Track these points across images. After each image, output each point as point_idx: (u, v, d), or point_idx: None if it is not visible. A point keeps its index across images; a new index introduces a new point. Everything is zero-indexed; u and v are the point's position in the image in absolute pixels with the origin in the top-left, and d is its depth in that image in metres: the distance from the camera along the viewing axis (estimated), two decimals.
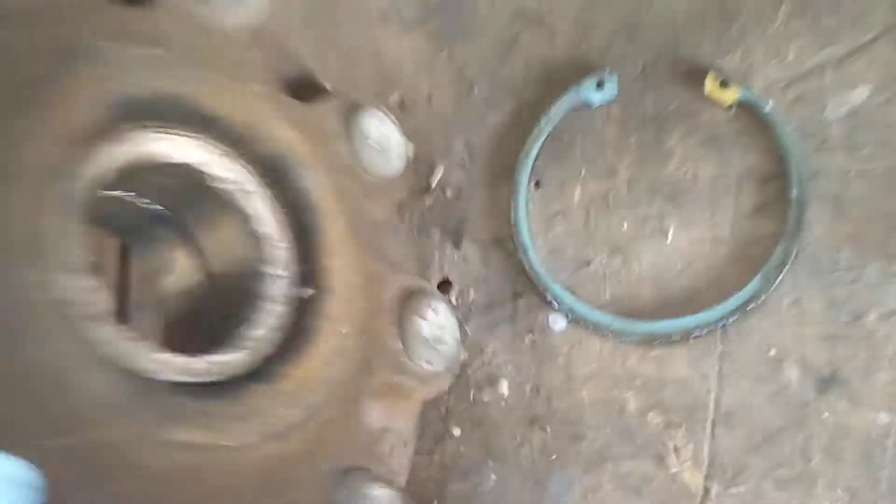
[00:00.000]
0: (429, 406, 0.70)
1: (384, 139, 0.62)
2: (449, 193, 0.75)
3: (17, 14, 0.44)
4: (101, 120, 0.45)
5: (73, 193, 0.44)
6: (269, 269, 0.53)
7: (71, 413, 0.38)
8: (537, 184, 0.73)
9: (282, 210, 0.54)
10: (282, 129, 0.54)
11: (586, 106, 0.70)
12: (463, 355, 0.65)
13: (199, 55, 0.52)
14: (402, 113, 0.77)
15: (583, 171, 0.72)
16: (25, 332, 0.38)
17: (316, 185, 0.54)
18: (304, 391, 0.50)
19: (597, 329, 0.66)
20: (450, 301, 0.67)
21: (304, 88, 0.63)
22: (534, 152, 0.72)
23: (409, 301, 0.59)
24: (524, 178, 0.71)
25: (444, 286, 0.73)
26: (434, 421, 0.70)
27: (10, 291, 0.37)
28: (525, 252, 0.70)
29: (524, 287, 0.71)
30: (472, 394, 0.71)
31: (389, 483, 0.52)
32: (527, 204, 0.71)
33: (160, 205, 0.59)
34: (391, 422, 0.59)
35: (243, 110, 0.52)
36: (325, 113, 0.60)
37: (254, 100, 0.53)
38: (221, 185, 0.52)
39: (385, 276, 0.58)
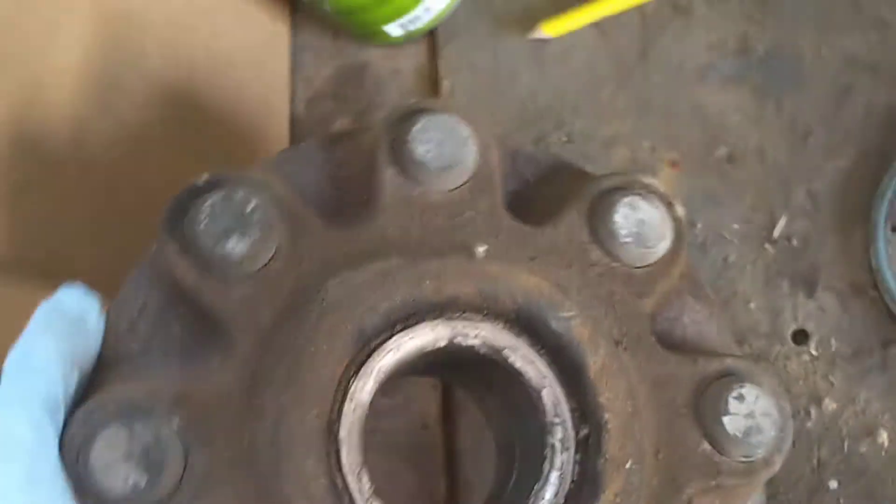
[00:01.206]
0: (798, 459, 0.68)
1: (639, 225, 0.55)
2: (795, 243, 0.75)
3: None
4: (349, 360, 0.48)
5: (344, 432, 0.47)
6: (544, 419, 0.52)
7: None
8: (894, 228, 0.70)
9: (542, 354, 0.52)
10: (518, 279, 0.52)
11: None
12: (791, 432, 0.55)
13: (417, 245, 0.52)
14: (730, 166, 0.78)
15: None
16: None
17: (566, 321, 0.51)
18: None
19: None
20: (768, 371, 0.58)
21: (553, 185, 0.60)
22: (888, 193, 0.69)
23: (708, 394, 0.53)
24: (881, 219, 0.69)
25: (800, 336, 0.72)
26: (806, 475, 0.68)
27: None
28: (892, 298, 0.68)
29: (894, 334, 0.69)
30: (846, 445, 0.68)
31: None
32: (886, 247, 0.69)
33: (440, 371, 0.61)
34: None
35: (473, 281, 0.51)
36: (566, 227, 0.55)
37: (481, 264, 0.52)
38: (480, 352, 0.52)
39: (677, 375, 0.53)
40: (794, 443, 0.69)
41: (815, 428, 0.70)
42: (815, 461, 0.68)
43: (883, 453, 0.67)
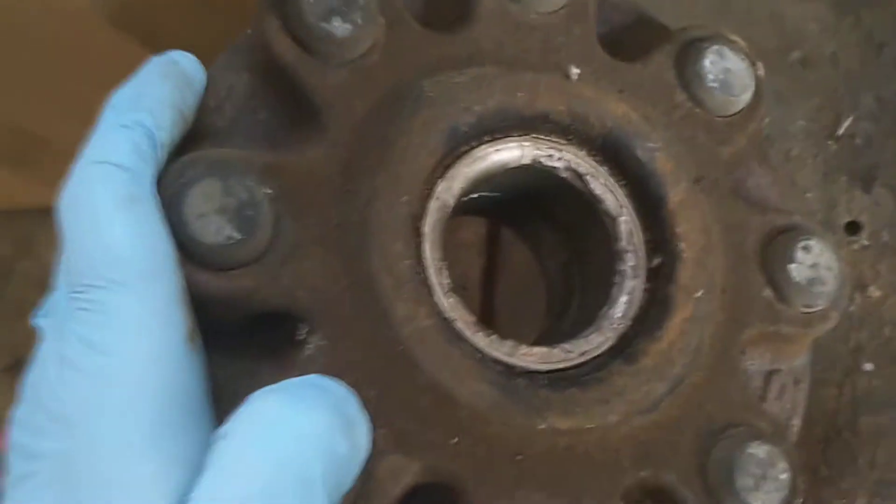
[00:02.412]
0: (836, 340, 0.70)
1: (725, 73, 0.56)
2: (858, 142, 0.76)
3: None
4: (439, 157, 0.49)
5: (427, 228, 0.49)
6: (617, 245, 0.53)
7: (459, 418, 0.45)
8: None
9: (622, 184, 0.53)
10: (608, 104, 0.52)
11: None
12: (848, 289, 0.56)
13: (512, 60, 0.52)
14: (803, 69, 0.79)
15: None
16: (419, 355, 0.45)
17: (651, 151, 0.52)
18: (665, 364, 0.49)
19: None
20: (828, 235, 0.58)
21: (637, 35, 0.61)
22: None
23: (774, 244, 0.54)
24: None
25: (852, 227, 0.74)
26: (843, 355, 0.69)
27: (403, 326, 0.44)
28: None
29: None
30: (885, 331, 0.69)
31: (770, 437, 0.50)
32: None
33: (512, 198, 0.61)
34: (778, 363, 0.56)
35: (565, 99, 0.51)
36: (655, 66, 0.56)
37: (574, 85, 0.53)
38: (559, 174, 0.53)
39: (747, 221, 0.54)
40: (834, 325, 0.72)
41: (857, 313, 0.71)
42: (852, 343, 0.69)
43: None
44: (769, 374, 0.55)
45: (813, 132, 0.78)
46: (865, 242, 0.71)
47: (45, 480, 0.35)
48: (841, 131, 0.76)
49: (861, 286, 0.72)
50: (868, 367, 0.69)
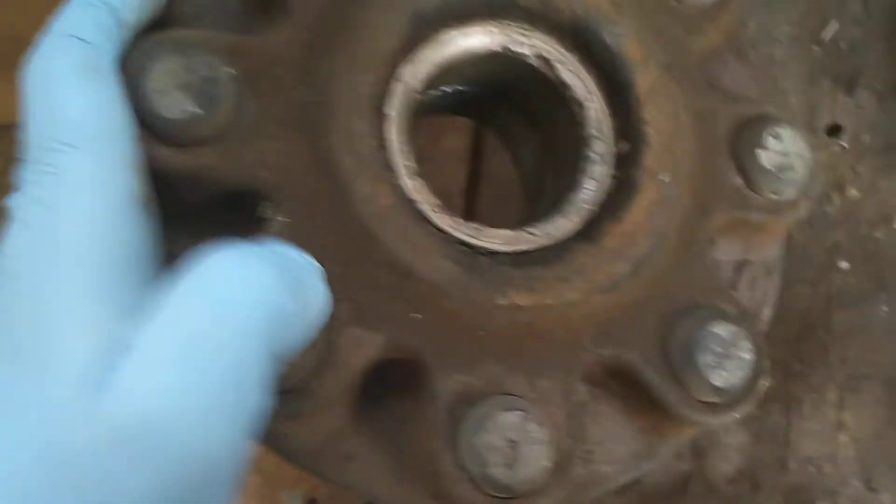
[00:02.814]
0: (813, 240, 0.71)
1: None
2: (843, 46, 0.76)
3: None
4: (402, 39, 0.48)
5: (391, 111, 0.49)
6: (584, 131, 0.53)
7: (420, 292, 0.46)
8: None
9: (591, 71, 0.53)
10: None
11: None
12: (820, 179, 0.56)
13: None
14: None
15: None
16: (379, 232, 0.45)
17: (620, 38, 0.52)
18: (628, 245, 0.49)
19: None
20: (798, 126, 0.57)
21: None
22: None
23: (745, 131, 0.54)
24: None
25: (834, 130, 0.74)
26: (819, 254, 0.70)
27: (364, 204, 0.45)
28: None
29: None
30: (862, 229, 0.70)
31: (735, 318, 0.50)
32: None
33: (481, 92, 0.61)
34: (749, 254, 0.56)
35: None
36: None
37: None
38: (528, 61, 0.53)
39: (717, 110, 0.54)
40: (811, 224, 0.72)
41: (834, 213, 0.72)
42: (829, 243, 0.70)
43: None
44: (740, 265, 0.56)
45: (798, 37, 0.78)
46: (845, 144, 0.72)
47: None
48: (826, 36, 0.76)
49: (839, 187, 0.73)
50: (844, 265, 0.70)
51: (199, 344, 0.34)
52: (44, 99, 0.38)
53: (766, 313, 0.56)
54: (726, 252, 0.55)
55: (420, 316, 0.46)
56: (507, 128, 0.64)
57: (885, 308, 0.69)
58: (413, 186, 0.48)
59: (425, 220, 0.47)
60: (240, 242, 0.38)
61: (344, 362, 0.44)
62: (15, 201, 0.37)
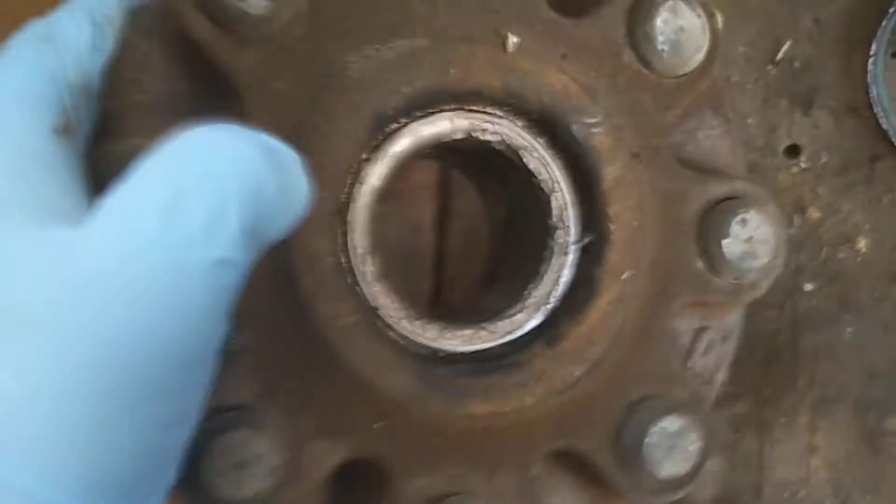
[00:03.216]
0: None
1: (677, 33, 0.53)
2: (797, 65, 0.76)
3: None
4: (364, 144, 0.47)
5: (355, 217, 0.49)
6: (548, 221, 0.52)
7: (381, 405, 0.47)
8: (894, 54, 0.72)
9: (558, 158, 0.52)
10: (547, 77, 0.50)
11: None
12: (783, 258, 0.56)
13: (445, 27, 0.49)
14: None
15: None
16: (342, 350, 0.46)
17: (589, 127, 0.50)
18: (585, 346, 0.50)
19: None
20: (770, 201, 0.56)
21: None
22: (892, 22, 0.71)
23: (713, 215, 0.53)
24: (882, 46, 0.71)
25: (792, 150, 0.74)
26: (784, 277, 0.71)
27: (326, 325, 0.46)
28: (886, 115, 0.70)
29: (884, 150, 0.70)
30: (824, 251, 0.71)
31: (686, 408, 0.52)
32: (885, 70, 0.70)
33: (452, 157, 0.61)
34: (707, 320, 0.57)
35: (500, 75, 0.49)
36: (604, 23, 0.52)
37: (512, 57, 0.50)
38: (493, 147, 0.52)
39: (686, 192, 0.53)
40: None
41: (796, 234, 0.72)
42: (793, 265, 0.71)
43: (859, 259, 0.70)
44: (698, 332, 0.57)
45: (753, 57, 0.78)
46: (804, 165, 0.72)
47: None
48: (780, 55, 0.76)
49: (800, 208, 0.73)
50: (808, 287, 0.71)
51: (168, 199, 0.34)
52: None
53: (720, 377, 0.58)
54: (684, 321, 0.56)
55: (382, 425, 0.47)
56: (481, 182, 0.64)
57: (850, 329, 0.70)
58: (376, 292, 0.48)
59: (388, 331, 0.48)
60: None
61: (307, 475, 0.46)
62: None
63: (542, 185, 0.52)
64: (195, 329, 0.35)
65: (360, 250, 0.47)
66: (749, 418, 0.68)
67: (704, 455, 0.52)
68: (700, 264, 0.53)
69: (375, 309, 0.48)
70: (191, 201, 0.34)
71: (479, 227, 0.67)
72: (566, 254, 0.52)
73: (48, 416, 0.33)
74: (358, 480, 0.50)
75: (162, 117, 0.47)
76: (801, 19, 0.78)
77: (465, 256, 0.73)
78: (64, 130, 0.41)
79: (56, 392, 0.33)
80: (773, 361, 0.70)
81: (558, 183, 0.52)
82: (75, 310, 0.34)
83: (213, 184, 0.35)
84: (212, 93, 0.48)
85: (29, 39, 0.43)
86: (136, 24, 0.47)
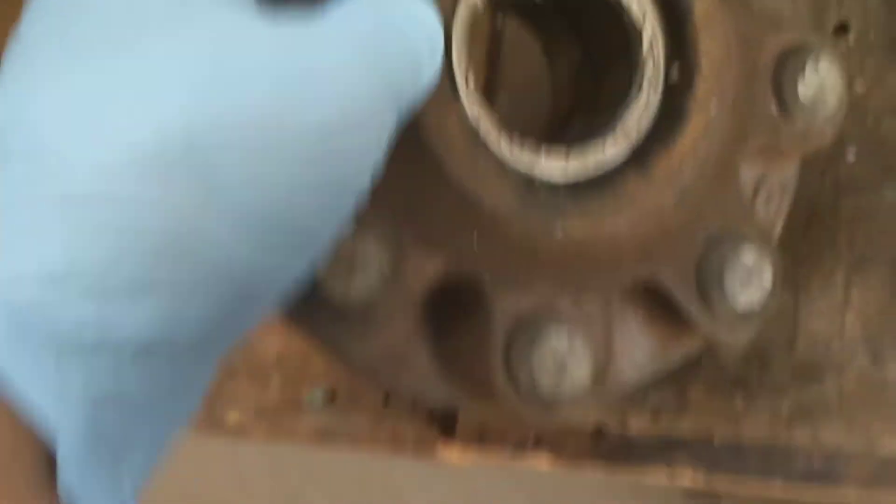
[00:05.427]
0: None
1: None
2: None
3: None
4: None
5: (456, 33, 0.50)
6: (636, 56, 0.54)
7: (481, 220, 0.49)
8: None
9: None
10: None
11: None
12: (845, 109, 0.59)
13: None
14: None
15: None
16: (448, 162, 0.48)
17: None
18: (675, 174, 0.52)
19: None
20: (837, 53, 0.59)
21: None
22: None
23: (786, 62, 0.56)
24: None
25: (840, 31, 0.76)
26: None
27: (431, 133, 0.47)
28: None
29: None
30: (868, 120, 0.73)
31: (759, 240, 0.55)
32: None
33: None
34: (768, 170, 0.60)
35: None
36: None
37: None
38: None
39: (762, 39, 0.55)
40: None
41: None
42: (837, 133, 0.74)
43: None
44: (759, 181, 0.60)
45: None
46: (852, 44, 0.74)
47: None
48: None
49: (847, 83, 0.76)
50: (851, 153, 0.74)
51: (371, 42, 0.36)
52: None
53: (778, 228, 0.61)
54: (748, 168, 0.58)
55: (479, 241, 0.49)
56: (549, 31, 0.65)
57: (891, 194, 0.73)
58: (476, 111, 0.50)
59: (488, 149, 0.50)
60: None
61: (407, 281, 0.48)
62: None
63: (634, 18, 0.54)
64: (375, 146, 0.38)
65: (460, 66, 0.49)
66: (785, 276, 0.72)
67: (777, 291, 0.54)
68: (774, 108, 0.56)
69: (476, 127, 0.49)
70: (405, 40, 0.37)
71: (527, 98, 0.69)
72: (654, 88, 0.53)
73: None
74: (449, 309, 0.51)
75: None
76: None
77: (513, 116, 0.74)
78: None
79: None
80: (812, 223, 0.73)
81: (649, 16, 0.54)
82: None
83: (403, 50, 0.37)
84: None
85: None
86: None
